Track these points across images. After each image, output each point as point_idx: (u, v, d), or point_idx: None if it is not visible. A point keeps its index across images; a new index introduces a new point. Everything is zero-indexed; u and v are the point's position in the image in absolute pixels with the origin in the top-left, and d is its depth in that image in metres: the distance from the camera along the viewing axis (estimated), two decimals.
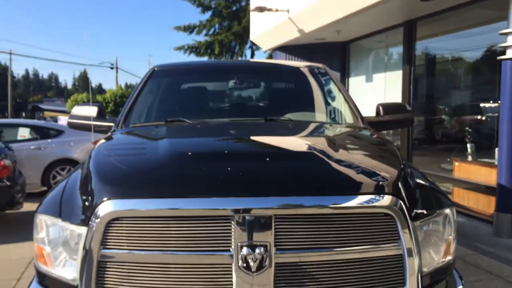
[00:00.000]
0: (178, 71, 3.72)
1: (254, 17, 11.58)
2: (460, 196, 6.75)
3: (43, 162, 8.33)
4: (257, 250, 1.72)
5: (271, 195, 1.77)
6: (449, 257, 2.08)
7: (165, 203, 1.77)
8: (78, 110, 3.45)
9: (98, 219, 1.76)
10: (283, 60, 3.68)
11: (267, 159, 2.06)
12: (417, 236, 1.87)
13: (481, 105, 7.15)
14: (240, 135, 2.66)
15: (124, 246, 1.77)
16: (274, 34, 10.46)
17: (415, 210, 1.92)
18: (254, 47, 25.38)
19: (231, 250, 1.73)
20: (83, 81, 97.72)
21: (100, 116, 3.39)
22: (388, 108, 3.46)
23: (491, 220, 5.80)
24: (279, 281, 1.76)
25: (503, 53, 5.47)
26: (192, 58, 26.09)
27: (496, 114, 6.10)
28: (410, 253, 1.84)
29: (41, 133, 8.69)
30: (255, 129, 2.80)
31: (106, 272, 1.79)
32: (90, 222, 1.79)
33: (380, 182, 1.90)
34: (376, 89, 9.38)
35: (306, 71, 3.71)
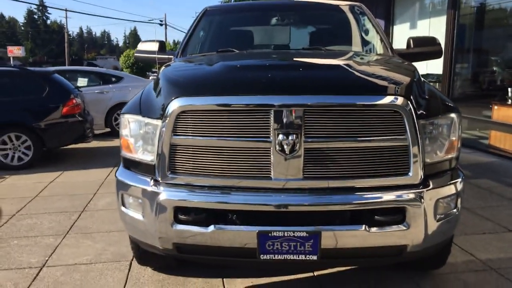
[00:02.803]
0: (227, 10, 4.21)
1: None
2: (497, 138, 6.91)
3: (106, 105, 9.19)
4: (290, 137, 2.22)
5: (302, 94, 2.25)
6: (451, 155, 2.50)
7: (220, 99, 2.29)
8: (143, 46, 4.03)
9: (170, 113, 2.32)
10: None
11: (300, 68, 2.55)
12: (421, 132, 2.30)
13: None
14: (280, 56, 3.15)
15: (189, 133, 2.33)
16: None
17: (421, 111, 2.33)
18: None
19: (270, 137, 2.25)
20: (133, 38, 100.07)
21: (161, 50, 3.96)
22: (418, 41, 3.77)
23: None
24: (307, 162, 2.26)
25: None
26: None
27: None
28: (414, 145, 2.27)
29: (103, 79, 9.54)
30: (294, 54, 3.27)
31: (176, 153, 2.36)
32: (164, 116, 2.35)
33: (394, 87, 2.33)
34: None
35: (344, 9, 4.07)
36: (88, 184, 5.62)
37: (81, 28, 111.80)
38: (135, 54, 4.08)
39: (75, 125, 6.67)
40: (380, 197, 2.28)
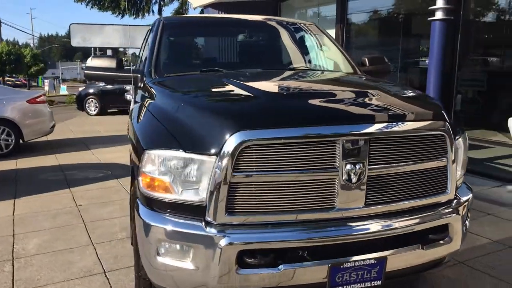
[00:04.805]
0: (189, 25, 3.91)
1: None
2: None
3: None
4: (357, 166, 2.21)
5: (366, 123, 2.25)
6: (464, 171, 2.78)
7: (286, 131, 2.15)
8: (95, 62, 3.52)
9: (231, 148, 2.08)
10: (285, 18, 3.98)
11: (353, 96, 2.55)
12: (454, 151, 2.52)
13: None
14: (302, 79, 3.10)
15: (252, 169, 2.13)
16: None
17: (454, 134, 2.55)
18: (162, 3, 24.64)
19: (336, 167, 2.20)
20: None
21: (119, 67, 3.52)
22: (372, 59, 4.08)
23: None
24: (370, 189, 2.28)
25: (433, 14, 6.41)
26: (95, 12, 24.85)
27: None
28: (451, 164, 2.47)
29: None
30: (302, 76, 3.24)
31: (236, 192, 2.14)
32: (221, 151, 2.10)
33: (437, 112, 2.50)
34: None
35: (306, 28, 4.16)
36: None
37: None
38: (86, 72, 3.55)
39: None
40: (433, 216, 2.42)
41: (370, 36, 9.18)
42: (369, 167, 2.25)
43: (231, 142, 2.10)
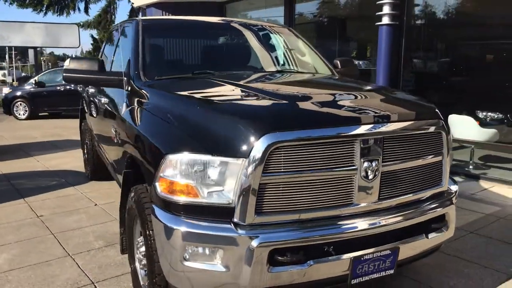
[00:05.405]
0: (171, 27, 3.87)
1: None
2: None
3: None
4: (373, 163, 2.36)
5: (381, 123, 2.40)
6: (450, 165, 3.04)
7: (313, 132, 2.24)
8: (75, 65, 3.36)
9: (261, 150, 2.13)
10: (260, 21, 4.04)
11: (364, 97, 2.70)
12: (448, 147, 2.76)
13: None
14: (305, 81, 3.21)
15: (280, 170, 2.19)
16: None
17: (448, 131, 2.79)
18: (88, 0, 23.59)
19: (355, 165, 2.33)
20: None
21: (101, 70, 3.39)
22: (343, 62, 4.29)
23: None
24: (382, 184, 2.44)
25: (380, 19, 6.83)
26: (14, 8, 23.27)
27: None
28: (446, 158, 2.71)
29: None
30: (300, 78, 3.35)
31: (264, 192, 2.19)
32: (250, 154, 2.14)
33: (436, 112, 2.73)
34: None
35: (284, 31, 4.28)
36: None
37: None
38: (65, 74, 3.37)
39: None
40: (434, 206, 2.64)
41: (315, 38, 9.52)
42: (383, 163, 2.40)
43: (260, 144, 2.14)
